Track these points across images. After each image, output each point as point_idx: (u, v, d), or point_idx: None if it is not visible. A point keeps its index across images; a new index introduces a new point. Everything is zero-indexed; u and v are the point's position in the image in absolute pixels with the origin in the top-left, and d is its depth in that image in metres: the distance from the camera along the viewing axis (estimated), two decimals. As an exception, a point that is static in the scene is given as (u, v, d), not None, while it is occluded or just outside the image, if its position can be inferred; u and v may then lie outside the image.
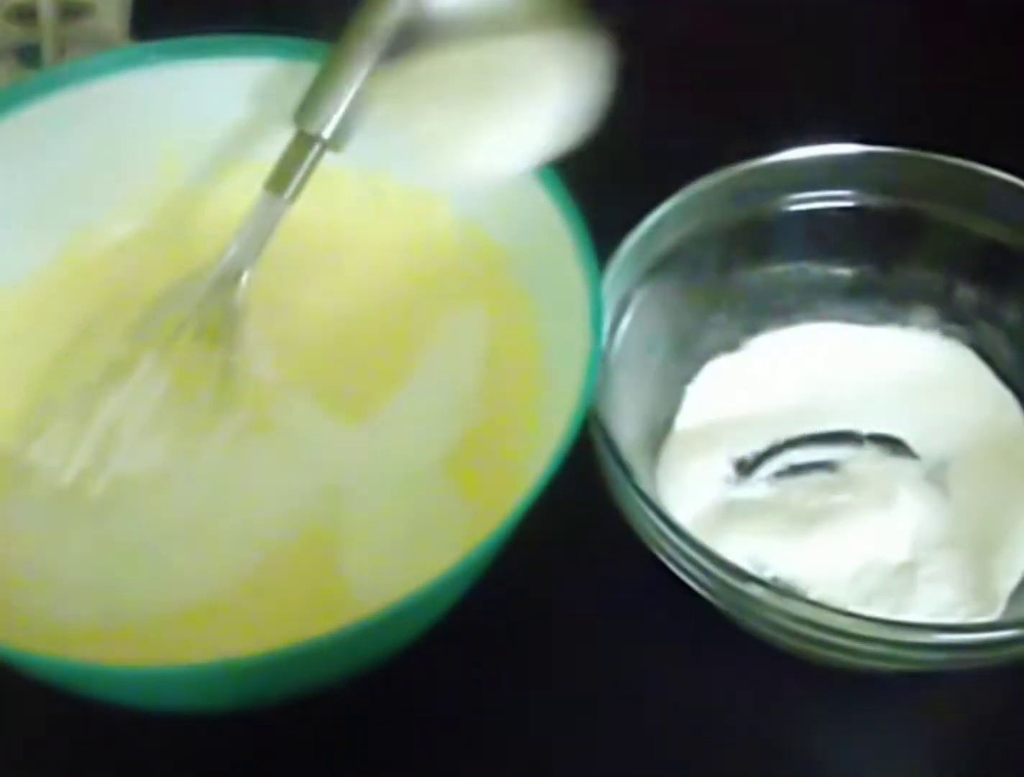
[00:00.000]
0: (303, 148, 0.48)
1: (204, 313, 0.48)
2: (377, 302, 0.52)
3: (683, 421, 0.52)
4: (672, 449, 0.51)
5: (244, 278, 0.48)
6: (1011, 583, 0.48)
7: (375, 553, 0.46)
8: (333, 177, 0.51)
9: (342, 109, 0.48)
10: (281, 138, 0.49)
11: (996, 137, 0.54)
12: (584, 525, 0.48)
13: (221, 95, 0.51)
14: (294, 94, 0.49)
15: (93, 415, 0.47)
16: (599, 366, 0.45)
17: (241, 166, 0.53)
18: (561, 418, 0.42)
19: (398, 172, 0.52)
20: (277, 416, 0.49)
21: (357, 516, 0.47)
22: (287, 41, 0.51)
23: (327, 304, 0.52)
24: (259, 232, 0.48)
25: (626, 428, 0.46)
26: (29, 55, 0.64)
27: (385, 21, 0.48)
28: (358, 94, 0.48)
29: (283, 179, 0.48)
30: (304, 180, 0.48)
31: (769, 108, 0.53)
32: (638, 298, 0.49)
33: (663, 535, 0.43)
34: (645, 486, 0.44)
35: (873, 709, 0.47)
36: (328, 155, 0.49)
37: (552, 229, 0.47)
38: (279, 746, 0.46)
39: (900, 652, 0.42)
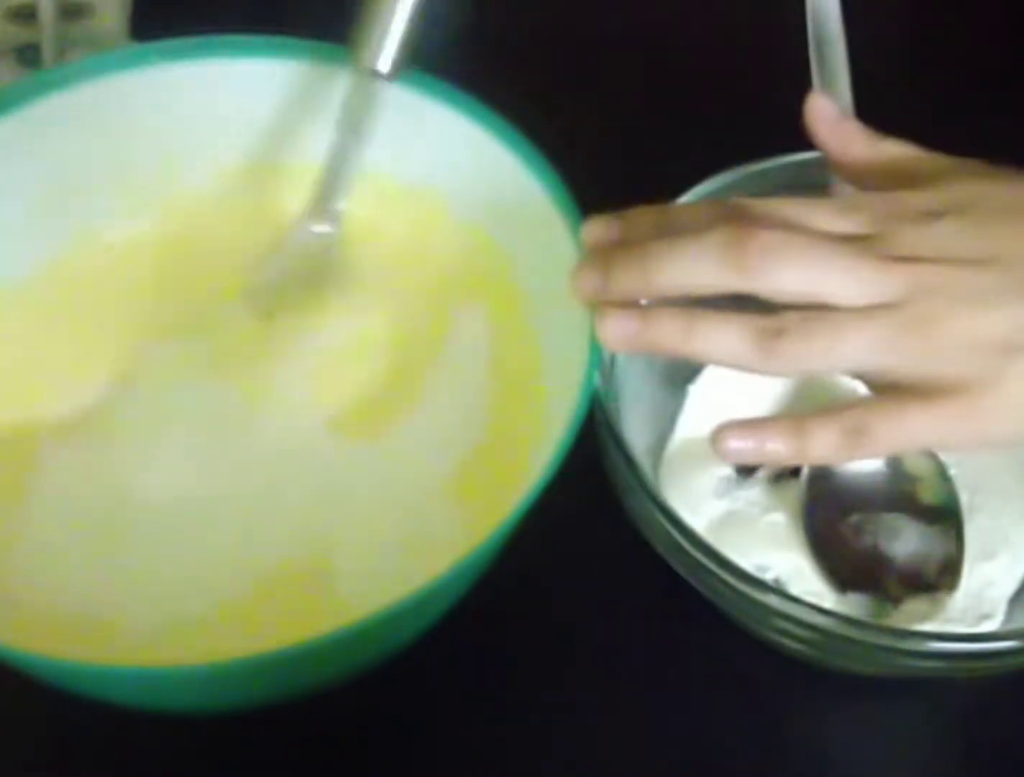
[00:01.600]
0: (365, 84, 0.49)
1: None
2: (377, 303, 0.52)
3: (685, 421, 0.52)
4: (674, 449, 0.51)
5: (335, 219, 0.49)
6: (1011, 588, 0.48)
7: (375, 554, 0.46)
8: None
9: (397, 42, 0.49)
10: (282, 139, 0.49)
11: (1002, 142, 0.54)
12: (586, 527, 0.48)
13: (221, 95, 0.51)
14: (294, 94, 0.49)
15: (105, 425, 0.47)
16: (602, 367, 0.44)
17: (241, 166, 0.53)
18: (562, 419, 0.41)
19: (400, 173, 0.52)
20: (279, 425, 0.49)
21: (359, 519, 0.47)
22: (287, 41, 0.51)
23: (327, 305, 0.52)
24: (340, 173, 0.49)
25: (632, 429, 0.46)
26: (29, 55, 0.63)
27: None
28: (410, 23, 0.49)
29: (354, 119, 0.49)
30: (373, 116, 0.49)
31: (772, 109, 0.52)
32: (646, 297, 0.49)
33: (675, 542, 0.43)
34: (652, 489, 0.44)
35: (873, 709, 0.47)
36: (322, 150, 0.49)
37: (553, 230, 0.47)
38: (278, 748, 0.46)
39: (902, 660, 0.42)
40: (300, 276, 0.51)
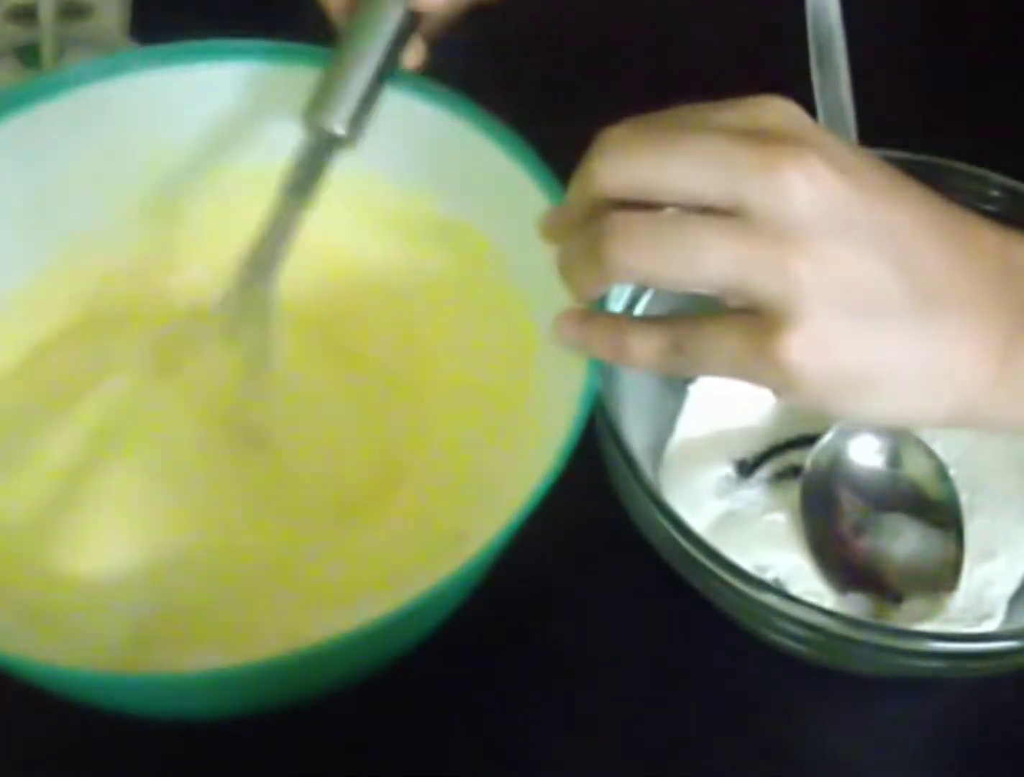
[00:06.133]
0: (318, 147, 0.47)
1: (231, 324, 0.48)
2: (364, 307, 0.52)
3: (685, 422, 0.52)
4: (674, 450, 0.51)
5: (271, 282, 0.47)
6: (1011, 588, 0.48)
7: (373, 561, 0.46)
8: None
9: (355, 103, 0.47)
10: (279, 142, 0.49)
11: (1003, 142, 0.54)
12: (586, 527, 0.48)
13: (218, 99, 0.51)
14: (290, 98, 0.49)
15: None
16: (602, 367, 0.44)
17: (238, 170, 0.52)
18: (562, 421, 0.41)
19: (384, 172, 0.52)
20: (272, 430, 0.49)
21: (358, 525, 0.47)
22: (284, 45, 0.51)
23: (312, 311, 0.52)
24: (280, 237, 0.47)
25: (632, 429, 0.46)
26: (29, 55, 0.64)
27: (389, 13, 0.47)
28: (369, 87, 0.47)
29: (301, 182, 0.47)
30: (321, 181, 0.47)
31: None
32: (646, 298, 0.49)
33: (674, 540, 0.43)
34: (652, 489, 0.44)
35: (873, 709, 0.47)
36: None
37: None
38: (281, 752, 0.46)
39: (902, 660, 0.42)
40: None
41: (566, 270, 0.39)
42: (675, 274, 0.36)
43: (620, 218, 0.37)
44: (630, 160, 0.37)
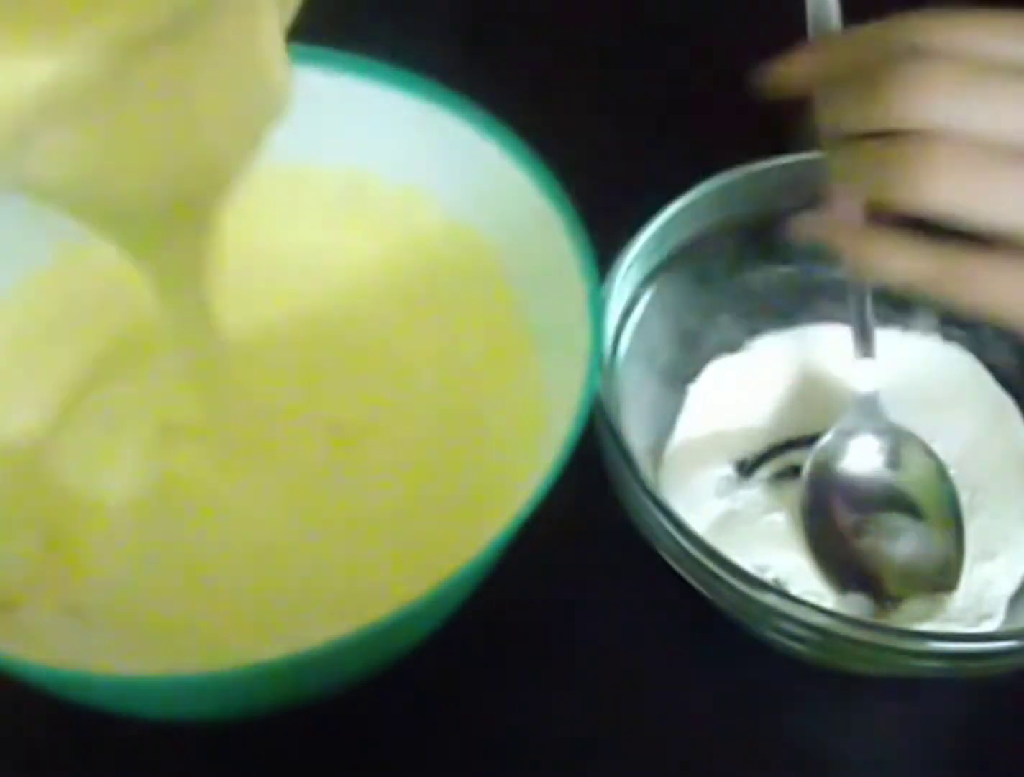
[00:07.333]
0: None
1: None
2: (362, 308, 0.52)
3: (685, 421, 0.52)
4: (674, 450, 0.51)
5: None
6: (1010, 588, 0.48)
7: (376, 562, 0.46)
8: (311, 175, 0.50)
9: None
10: (279, 142, 0.49)
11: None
12: (585, 527, 0.48)
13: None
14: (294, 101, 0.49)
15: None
16: (602, 368, 0.45)
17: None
18: (563, 420, 0.41)
19: (382, 171, 0.52)
20: (262, 436, 0.49)
21: (358, 524, 0.47)
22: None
23: (307, 311, 0.51)
24: None
25: (632, 429, 0.46)
26: (29, 55, 0.63)
27: None
28: None
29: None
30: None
31: (772, 110, 0.52)
32: (645, 298, 0.49)
33: (674, 540, 0.43)
34: (652, 489, 0.44)
35: (873, 709, 0.47)
36: (306, 151, 0.49)
37: (548, 228, 0.46)
38: (279, 753, 0.46)
39: (902, 660, 0.42)
40: None
41: (853, 178, 0.39)
42: (1007, 216, 0.36)
43: (949, 152, 0.37)
44: (956, 102, 0.37)
